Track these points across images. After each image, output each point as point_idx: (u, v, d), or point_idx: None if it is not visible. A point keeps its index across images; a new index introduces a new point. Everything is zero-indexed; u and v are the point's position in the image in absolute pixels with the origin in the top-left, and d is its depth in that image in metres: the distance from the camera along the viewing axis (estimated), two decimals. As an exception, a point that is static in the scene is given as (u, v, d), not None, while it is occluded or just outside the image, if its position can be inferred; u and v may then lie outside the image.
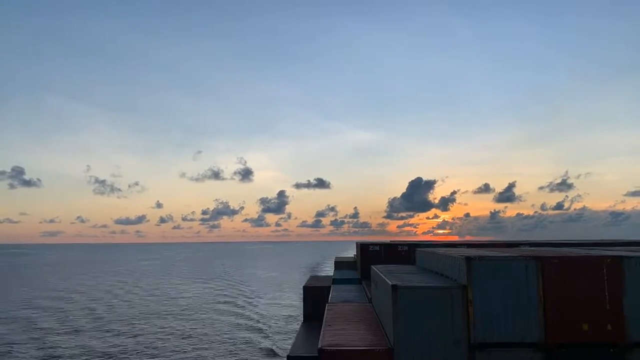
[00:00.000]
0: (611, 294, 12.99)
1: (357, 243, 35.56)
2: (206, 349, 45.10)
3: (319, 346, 12.76)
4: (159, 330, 54.24)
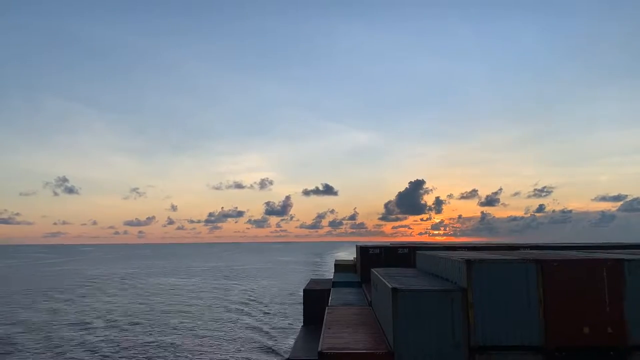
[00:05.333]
0: (611, 297, 12.94)
1: (357, 246, 35.41)
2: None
3: (319, 349, 12.72)
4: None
